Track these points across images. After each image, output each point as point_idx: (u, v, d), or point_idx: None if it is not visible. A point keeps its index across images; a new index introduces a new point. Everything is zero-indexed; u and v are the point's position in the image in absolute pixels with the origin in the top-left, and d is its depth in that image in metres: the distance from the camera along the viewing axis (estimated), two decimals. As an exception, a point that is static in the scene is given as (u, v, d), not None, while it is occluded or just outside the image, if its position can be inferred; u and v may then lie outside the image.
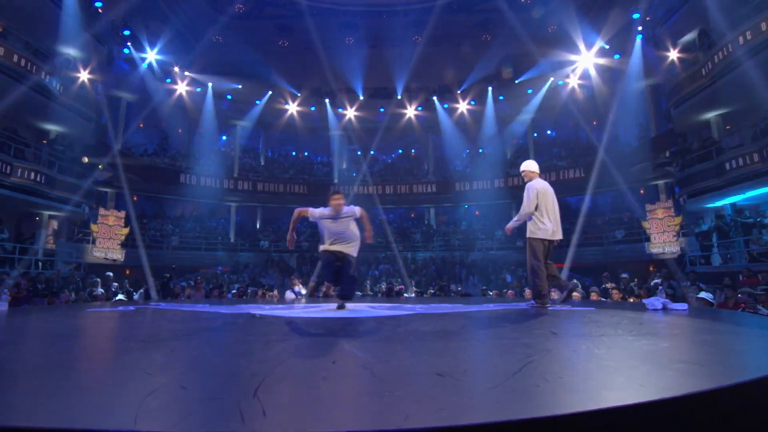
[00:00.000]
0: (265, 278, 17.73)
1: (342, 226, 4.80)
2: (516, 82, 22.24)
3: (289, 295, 10.21)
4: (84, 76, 14.62)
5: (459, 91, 23.97)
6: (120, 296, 9.60)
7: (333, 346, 2.37)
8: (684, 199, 14.30)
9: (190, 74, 21.01)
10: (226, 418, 1.11)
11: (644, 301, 4.52)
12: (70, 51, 14.74)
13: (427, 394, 1.31)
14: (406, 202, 24.21)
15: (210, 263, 19.43)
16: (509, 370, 1.68)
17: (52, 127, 15.04)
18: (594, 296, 8.73)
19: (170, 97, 20.72)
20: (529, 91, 22.71)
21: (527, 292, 11.20)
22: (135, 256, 15.72)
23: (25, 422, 1.08)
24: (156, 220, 20.76)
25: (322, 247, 4.86)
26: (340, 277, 4.73)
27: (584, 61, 19.65)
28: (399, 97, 24.31)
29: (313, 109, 24.77)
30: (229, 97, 23.16)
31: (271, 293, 11.21)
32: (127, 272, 16.16)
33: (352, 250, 4.81)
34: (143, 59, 18.78)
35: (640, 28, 16.40)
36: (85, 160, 14.80)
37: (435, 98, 24.13)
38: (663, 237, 14.73)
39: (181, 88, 21.06)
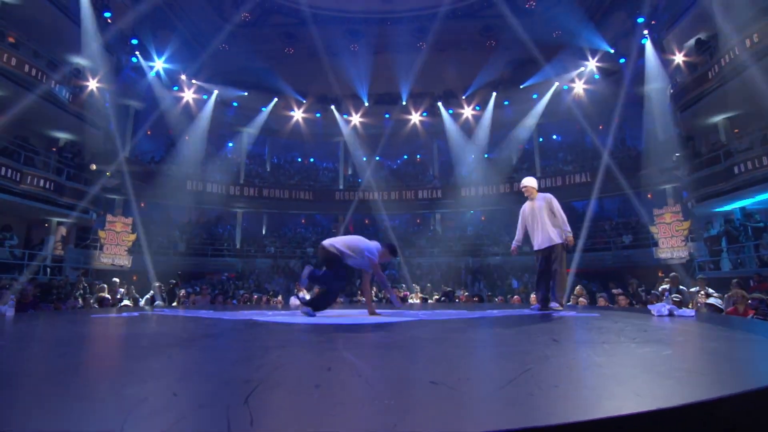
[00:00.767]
0: (270, 284, 17.76)
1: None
2: (521, 87, 22.23)
3: (294, 301, 10.23)
4: (93, 84, 14.85)
5: (464, 97, 24.01)
6: (126, 302, 9.67)
7: (330, 352, 2.35)
8: (692, 203, 14.13)
9: (197, 82, 21.28)
10: (212, 426, 1.10)
11: (650, 307, 4.46)
12: (80, 60, 15.01)
13: (418, 403, 1.29)
14: (411, 207, 24.19)
15: (216, 269, 19.53)
16: (505, 378, 1.66)
17: (62, 135, 15.28)
18: (601, 302, 8.63)
19: (177, 105, 20.98)
20: (534, 96, 22.68)
21: (532, 297, 11.12)
22: (142, 262, 15.84)
23: (6, 427, 1.08)
24: (163, 226, 20.92)
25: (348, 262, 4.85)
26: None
27: (589, 66, 19.60)
28: (404, 103, 24.40)
29: (318, 115, 24.94)
30: (235, 104, 23.40)
31: (276, 299, 11.23)
32: (135, 278, 16.29)
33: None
34: (151, 68, 19.07)
35: (645, 32, 16.35)
36: (93, 167, 15.00)
37: (440, 104, 24.17)
38: (671, 242, 14.56)
39: (188, 95, 21.32)
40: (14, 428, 1.14)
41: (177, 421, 1.19)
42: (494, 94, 23.38)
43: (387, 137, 25.23)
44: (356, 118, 24.81)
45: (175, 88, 20.72)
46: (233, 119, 23.91)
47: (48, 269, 13.22)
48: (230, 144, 26.46)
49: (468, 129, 24.34)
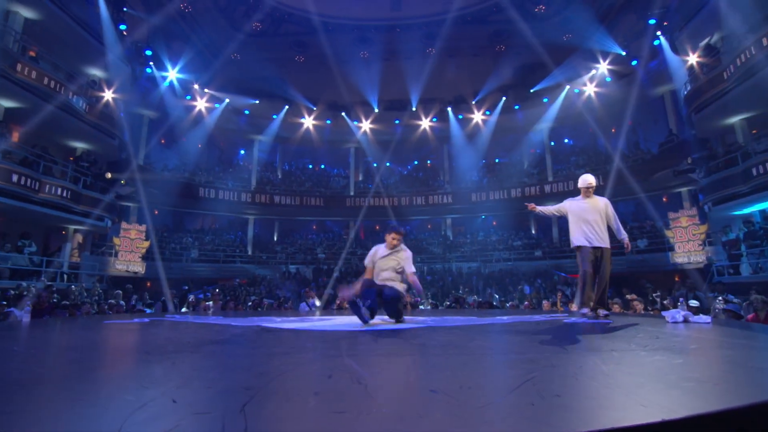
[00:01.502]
0: (281, 290, 17.84)
1: (389, 264, 4.69)
2: (531, 91, 22.09)
3: (304, 307, 10.26)
4: (108, 95, 15.22)
5: (474, 102, 23.96)
6: (141, 308, 9.80)
7: (334, 359, 2.34)
8: (709, 206, 13.81)
9: (210, 91, 21.65)
10: (206, 435, 1.10)
11: (664, 313, 4.34)
12: (96, 72, 15.42)
13: (415, 412, 1.27)
14: (422, 213, 24.12)
15: (228, 275, 19.70)
16: (507, 386, 1.63)
17: (79, 145, 15.67)
18: (615, 308, 8.45)
19: (190, 114, 21.37)
20: (545, 100, 22.53)
21: (545, 303, 10.94)
22: (156, 269, 16.07)
23: (6, 428, 1.10)
24: (176, 233, 21.22)
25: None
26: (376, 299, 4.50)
27: (601, 68, 19.39)
28: (414, 109, 24.46)
29: (329, 122, 25.14)
30: (246, 112, 23.72)
31: (286, 305, 11.27)
32: (149, 284, 16.54)
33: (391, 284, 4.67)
34: (164, 78, 19.48)
35: (658, 33, 16.12)
36: (109, 175, 15.32)
37: (449, 109, 24.17)
38: (688, 246, 14.23)
39: (201, 104, 21.69)
40: (15, 430, 1.16)
41: (173, 427, 1.19)
42: (504, 98, 23.29)
43: (397, 143, 25.30)
44: (366, 125, 24.93)
45: (188, 97, 21.11)
46: (245, 127, 24.24)
47: (65, 276, 13.49)
48: (242, 151, 26.82)
49: (478, 134, 24.26)
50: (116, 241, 15.73)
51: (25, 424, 1.20)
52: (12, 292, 9.26)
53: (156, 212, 20.65)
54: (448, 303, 12.57)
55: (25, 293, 8.91)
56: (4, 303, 7.01)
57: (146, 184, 17.35)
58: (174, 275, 17.47)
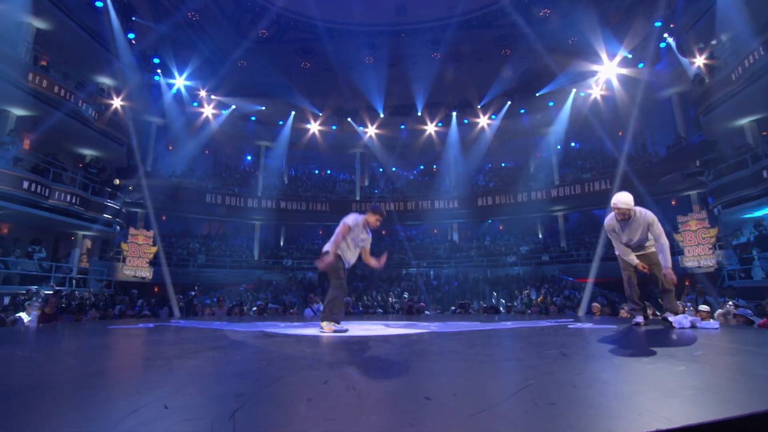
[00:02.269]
0: (287, 296, 17.86)
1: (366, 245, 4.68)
2: (537, 95, 22.02)
3: (308, 312, 10.24)
4: (117, 103, 15.44)
5: (479, 106, 23.95)
6: (146, 313, 9.85)
7: (331, 365, 2.33)
8: (719, 209, 13.60)
9: (216, 97, 21.89)
10: (193, 442, 1.09)
11: (671, 318, 4.27)
12: (105, 80, 15.67)
13: (406, 419, 1.25)
14: (428, 218, 24.07)
15: (234, 281, 19.76)
16: (502, 394, 1.60)
17: (88, 152, 15.89)
18: (623, 313, 8.33)
19: (197, 120, 21.60)
20: (551, 104, 22.46)
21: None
22: (163, 274, 16.19)
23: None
24: (183, 238, 21.38)
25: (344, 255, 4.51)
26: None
27: (607, 72, 19.28)
28: (419, 114, 24.50)
29: (334, 127, 25.26)
30: (253, 118, 23.92)
31: (291, 311, 11.27)
32: (156, 290, 16.65)
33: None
34: (172, 85, 19.72)
35: (666, 35, 16.00)
36: (117, 182, 15.50)
37: (454, 114, 24.18)
38: (698, 250, 14.01)
39: (208, 111, 21.93)
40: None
41: (160, 435, 1.19)
42: (509, 102, 23.25)
43: (403, 148, 25.34)
44: (372, 130, 25.01)
45: (195, 103, 21.35)
46: (251, 133, 24.43)
47: (74, 281, 13.63)
48: (248, 157, 27.02)
49: (484, 138, 24.21)
50: (124, 246, 15.88)
51: (12, 428, 1.21)
52: (21, 297, 9.37)
53: (163, 218, 20.84)
54: (454, 308, 12.49)
55: (33, 298, 9.02)
56: (11, 308, 7.08)
57: (154, 190, 17.53)
58: (181, 281, 17.57)
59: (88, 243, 15.67)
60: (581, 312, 10.18)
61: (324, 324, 4.30)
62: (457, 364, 2.31)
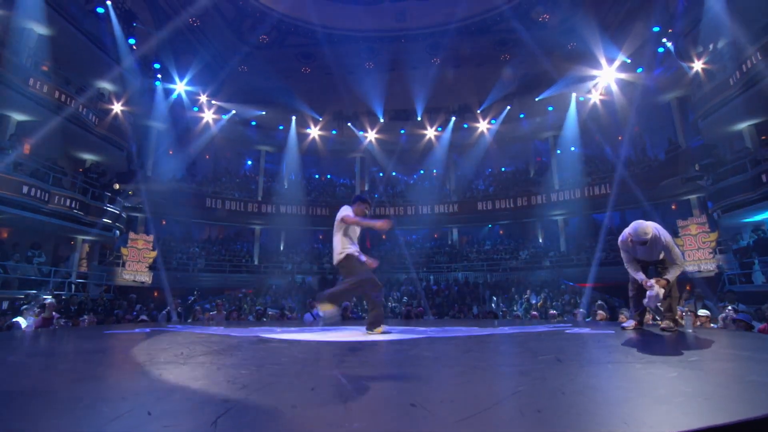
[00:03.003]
0: (287, 300, 17.83)
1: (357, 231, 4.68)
2: (536, 99, 22.07)
3: (308, 317, 10.20)
4: (117, 108, 15.51)
5: (479, 111, 23.99)
6: (144, 318, 9.82)
7: (321, 371, 2.31)
8: (718, 214, 13.56)
9: (217, 102, 21.97)
10: (171, 450, 1.08)
11: (664, 325, 4.24)
12: (106, 85, 15.74)
13: (388, 427, 1.24)
14: (428, 222, 24.04)
15: (234, 285, 19.74)
16: (490, 401, 1.59)
17: (88, 156, 15.93)
18: (622, 318, 8.28)
19: (197, 125, 21.67)
20: (550, 109, 22.51)
21: (557, 312, 10.76)
22: (162, 279, 16.18)
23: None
24: (183, 243, 21.38)
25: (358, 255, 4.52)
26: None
27: (606, 77, 19.33)
28: (419, 119, 24.55)
29: (334, 132, 25.33)
30: (253, 123, 23.99)
31: (290, 315, 11.24)
32: (156, 294, 16.63)
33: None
34: (172, 90, 19.81)
35: (664, 40, 16.04)
36: (117, 186, 15.53)
37: (454, 118, 24.24)
38: (698, 254, 13.97)
39: (208, 116, 22.00)
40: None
41: (140, 443, 1.18)
42: (509, 107, 23.30)
43: (403, 152, 25.37)
44: (372, 134, 25.07)
45: (195, 108, 21.44)
46: (252, 137, 24.50)
47: (72, 286, 13.62)
48: (249, 161, 27.08)
49: (484, 143, 24.25)
50: (124, 251, 15.89)
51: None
52: (20, 302, 9.37)
53: (164, 222, 20.85)
54: (452, 313, 12.45)
55: (32, 303, 9.01)
56: (9, 313, 7.07)
57: (154, 195, 17.55)
58: (181, 285, 17.56)
59: (87, 247, 15.69)
60: (580, 317, 10.12)
61: (324, 307, 4.28)
62: (450, 370, 2.29)
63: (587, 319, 9.77)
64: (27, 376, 2.28)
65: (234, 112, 22.68)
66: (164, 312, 11.37)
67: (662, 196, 17.16)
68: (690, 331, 4.23)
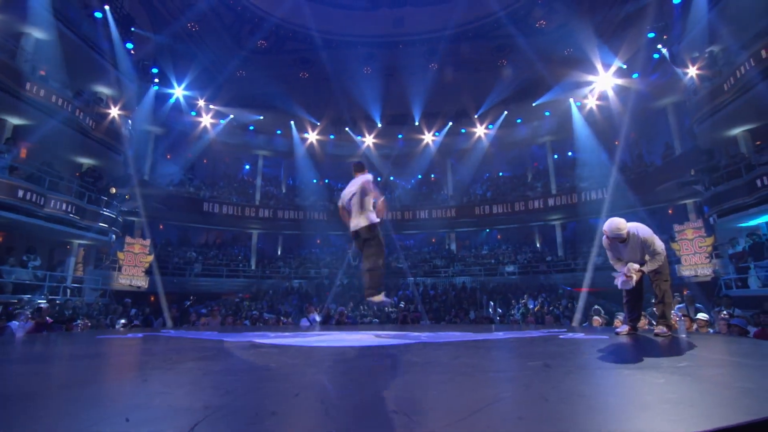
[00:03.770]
0: (283, 305, 17.75)
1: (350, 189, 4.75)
2: (533, 104, 22.17)
3: (304, 322, 10.17)
4: (114, 112, 15.48)
5: (476, 116, 24.07)
6: (138, 323, 9.77)
7: (307, 377, 2.29)
8: (714, 218, 13.59)
9: (215, 107, 21.99)
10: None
11: (658, 330, 4.23)
12: (103, 89, 15.74)
13: (366, 435, 1.22)
14: (425, 227, 24.03)
15: (231, 290, 19.66)
16: (472, 407, 1.57)
17: (84, 160, 15.88)
18: (617, 323, 8.26)
19: (195, 130, 21.67)
20: (547, 114, 22.60)
21: (548, 317, 10.75)
22: (158, 283, 16.10)
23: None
24: (180, 247, 21.31)
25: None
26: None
27: (602, 82, 19.44)
28: (416, 124, 24.63)
29: (332, 137, 25.37)
30: (251, 128, 24.01)
31: (285, 320, 11.19)
32: (152, 299, 16.55)
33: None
34: (170, 94, 19.82)
35: (659, 46, 16.15)
36: (113, 190, 15.47)
37: (451, 123, 24.32)
38: (694, 259, 13.97)
39: (206, 120, 22.01)
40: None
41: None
42: (506, 112, 23.39)
43: (400, 157, 25.41)
44: (370, 139, 25.13)
45: (193, 113, 21.45)
46: (249, 142, 24.50)
47: (68, 290, 13.54)
48: (246, 166, 27.07)
49: (481, 148, 24.30)
50: (120, 255, 15.80)
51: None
52: (13, 306, 9.30)
53: (161, 227, 20.79)
54: (449, 318, 12.42)
55: (25, 307, 8.95)
56: (3, 317, 7.02)
57: (151, 199, 17.50)
58: (177, 290, 17.47)
59: (82, 251, 15.61)
60: (575, 322, 10.10)
61: (375, 298, 4.28)
62: (437, 376, 2.27)
63: (584, 324, 9.75)
64: (8, 381, 2.26)
65: (232, 116, 22.70)
66: (161, 318, 11.33)
67: (659, 200, 17.20)
68: (683, 336, 4.23)
